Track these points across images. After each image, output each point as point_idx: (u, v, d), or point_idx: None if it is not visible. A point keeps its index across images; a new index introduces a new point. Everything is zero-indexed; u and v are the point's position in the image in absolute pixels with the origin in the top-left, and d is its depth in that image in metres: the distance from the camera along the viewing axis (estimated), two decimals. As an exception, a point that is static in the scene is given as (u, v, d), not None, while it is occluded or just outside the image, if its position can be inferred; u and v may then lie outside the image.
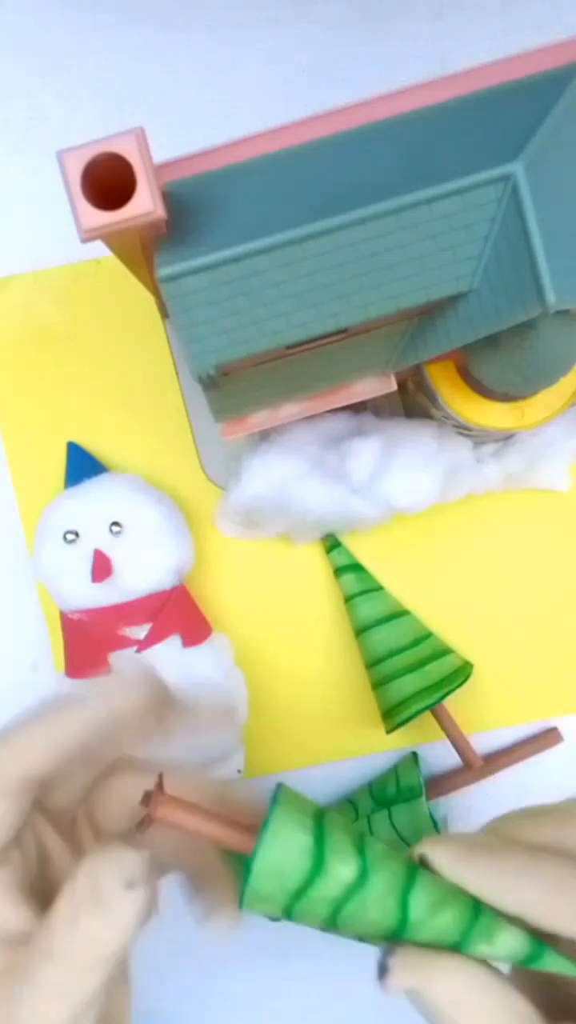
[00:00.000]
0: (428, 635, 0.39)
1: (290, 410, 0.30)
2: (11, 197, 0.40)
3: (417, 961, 0.20)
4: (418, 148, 0.25)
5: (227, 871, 0.27)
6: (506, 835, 0.21)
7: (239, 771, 0.37)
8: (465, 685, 0.38)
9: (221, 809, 0.24)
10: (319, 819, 0.20)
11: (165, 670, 0.35)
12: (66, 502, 0.37)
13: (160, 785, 0.22)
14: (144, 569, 0.36)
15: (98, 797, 0.25)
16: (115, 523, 0.36)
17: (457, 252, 0.24)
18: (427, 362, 0.32)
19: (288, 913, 0.20)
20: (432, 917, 0.19)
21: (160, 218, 0.23)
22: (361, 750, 0.40)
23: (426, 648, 0.39)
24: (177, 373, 0.40)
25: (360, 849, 0.20)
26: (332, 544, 0.40)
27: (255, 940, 0.40)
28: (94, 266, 0.40)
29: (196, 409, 0.40)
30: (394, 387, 0.29)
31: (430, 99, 0.25)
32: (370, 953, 0.41)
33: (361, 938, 0.21)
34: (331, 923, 0.20)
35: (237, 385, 0.28)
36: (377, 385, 0.29)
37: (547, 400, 0.32)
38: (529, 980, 0.21)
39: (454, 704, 0.39)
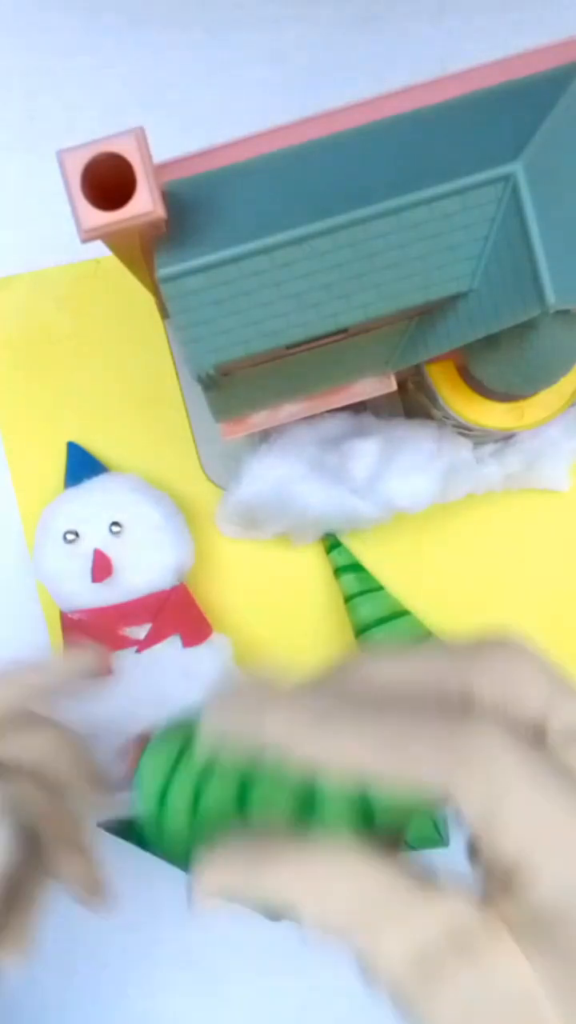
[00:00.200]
0: (428, 635, 0.39)
1: (290, 410, 0.30)
2: (11, 197, 0.40)
3: (238, 857, 0.20)
4: (418, 148, 0.25)
5: (89, 844, 0.29)
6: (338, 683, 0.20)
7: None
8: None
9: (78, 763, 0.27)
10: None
11: (165, 670, 0.35)
12: (66, 502, 0.37)
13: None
14: (144, 569, 0.36)
15: None
16: (115, 523, 0.36)
17: (457, 252, 0.24)
18: (427, 362, 0.32)
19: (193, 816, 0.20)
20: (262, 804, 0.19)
21: (160, 218, 0.23)
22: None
23: (426, 648, 0.39)
24: (177, 373, 0.40)
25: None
26: (332, 544, 0.40)
27: (255, 940, 0.40)
28: (94, 266, 0.40)
29: (196, 409, 0.40)
30: (394, 387, 0.29)
31: (430, 99, 0.25)
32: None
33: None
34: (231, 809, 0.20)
35: (237, 385, 0.28)
36: (377, 385, 0.29)
37: (547, 400, 0.32)
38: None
39: (454, 704, 0.39)
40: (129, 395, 0.40)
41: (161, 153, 0.25)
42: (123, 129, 0.22)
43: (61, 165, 0.22)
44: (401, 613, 0.39)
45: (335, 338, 0.27)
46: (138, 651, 0.35)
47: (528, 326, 0.25)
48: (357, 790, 0.19)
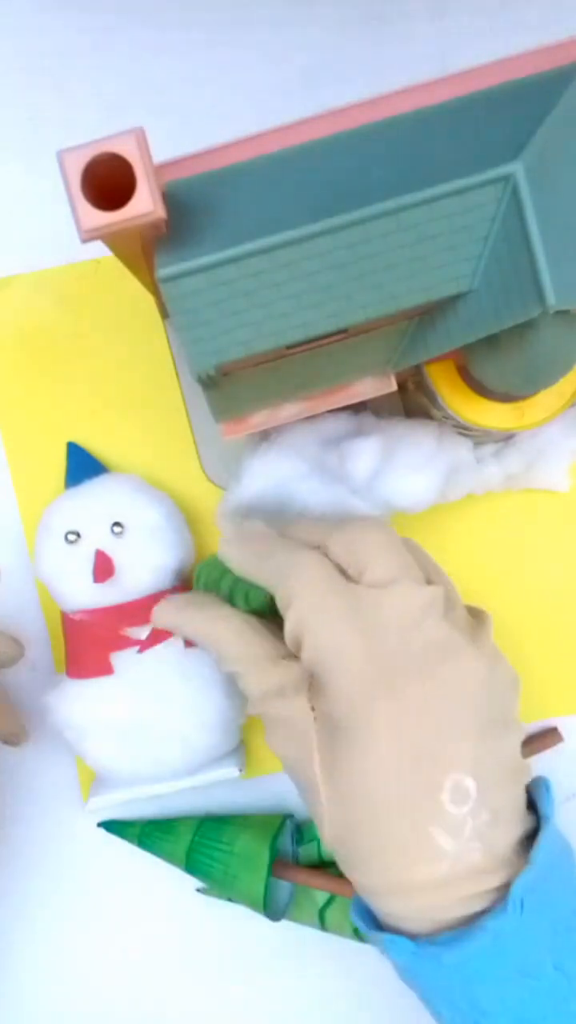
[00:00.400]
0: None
1: (290, 410, 0.30)
2: (11, 197, 0.40)
3: (180, 604, 0.33)
4: (418, 148, 0.25)
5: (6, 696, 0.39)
6: (285, 532, 0.32)
7: (239, 771, 0.37)
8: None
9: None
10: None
11: (167, 671, 0.35)
12: (67, 502, 0.37)
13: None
14: (145, 569, 0.36)
15: None
16: (116, 523, 0.36)
17: (457, 252, 0.24)
18: (427, 362, 0.32)
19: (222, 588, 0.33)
20: (221, 582, 0.33)
21: (160, 218, 0.23)
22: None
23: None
24: (177, 373, 0.40)
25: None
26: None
27: (255, 940, 0.40)
28: (94, 266, 0.40)
29: (196, 409, 0.40)
30: (394, 387, 0.29)
31: (430, 99, 0.25)
32: (370, 953, 0.41)
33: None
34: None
35: (237, 385, 0.28)
36: (377, 385, 0.29)
37: (547, 400, 0.32)
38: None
39: (454, 704, 0.39)
40: (129, 395, 0.40)
41: (161, 153, 0.25)
42: (123, 129, 0.22)
43: (61, 165, 0.22)
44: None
45: (335, 338, 0.27)
46: (139, 651, 0.35)
47: (528, 326, 0.25)
48: (249, 587, 0.32)
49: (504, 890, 0.27)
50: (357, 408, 0.37)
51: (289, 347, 0.26)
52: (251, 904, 0.37)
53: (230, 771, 0.37)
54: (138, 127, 0.23)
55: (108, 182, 0.23)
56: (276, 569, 0.30)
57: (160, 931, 0.41)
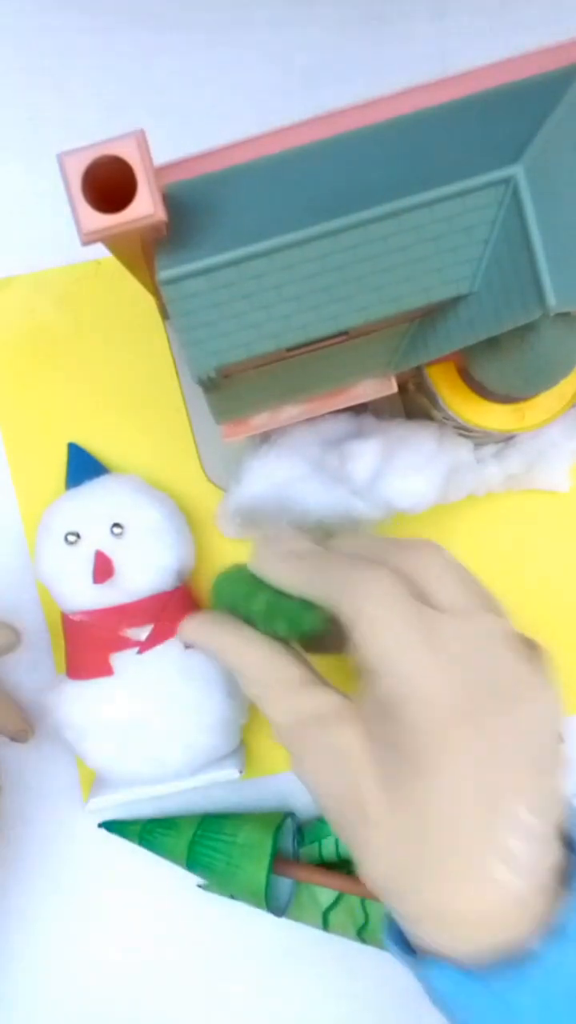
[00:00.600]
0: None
1: (291, 412, 0.30)
2: (11, 197, 0.40)
3: (207, 623, 0.32)
4: (418, 150, 0.25)
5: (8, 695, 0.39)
6: (329, 546, 0.31)
7: (239, 771, 0.37)
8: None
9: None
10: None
11: (167, 671, 0.35)
12: (67, 503, 0.37)
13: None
14: (146, 570, 0.36)
15: None
16: (116, 524, 0.36)
17: (457, 254, 0.24)
18: (428, 364, 0.32)
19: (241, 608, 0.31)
20: (252, 602, 0.30)
21: (160, 221, 0.23)
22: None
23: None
24: (177, 374, 0.40)
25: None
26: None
27: (255, 939, 0.41)
28: (94, 267, 0.40)
29: (196, 410, 0.40)
30: (395, 389, 0.29)
31: (430, 101, 0.25)
32: (370, 953, 0.41)
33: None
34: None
35: (238, 387, 0.28)
36: (378, 387, 0.29)
37: (548, 402, 0.32)
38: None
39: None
40: (129, 396, 0.40)
41: (162, 155, 0.25)
42: (124, 130, 0.22)
43: (61, 168, 0.22)
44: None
45: (336, 340, 0.27)
46: (140, 652, 0.35)
47: (529, 328, 0.25)
48: (295, 607, 0.29)
49: (545, 917, 0.26)
50: (358, 410, 0.37)
51: (290, 349, 0.26)
52: (252, 897, 0.37)
53: (230, 772, 0.37)
54: (138, 129, 0.22)
55: (108, 184, 0.22)
56: (335, 583, 0.28)
57: (160, 931, 0.41)
